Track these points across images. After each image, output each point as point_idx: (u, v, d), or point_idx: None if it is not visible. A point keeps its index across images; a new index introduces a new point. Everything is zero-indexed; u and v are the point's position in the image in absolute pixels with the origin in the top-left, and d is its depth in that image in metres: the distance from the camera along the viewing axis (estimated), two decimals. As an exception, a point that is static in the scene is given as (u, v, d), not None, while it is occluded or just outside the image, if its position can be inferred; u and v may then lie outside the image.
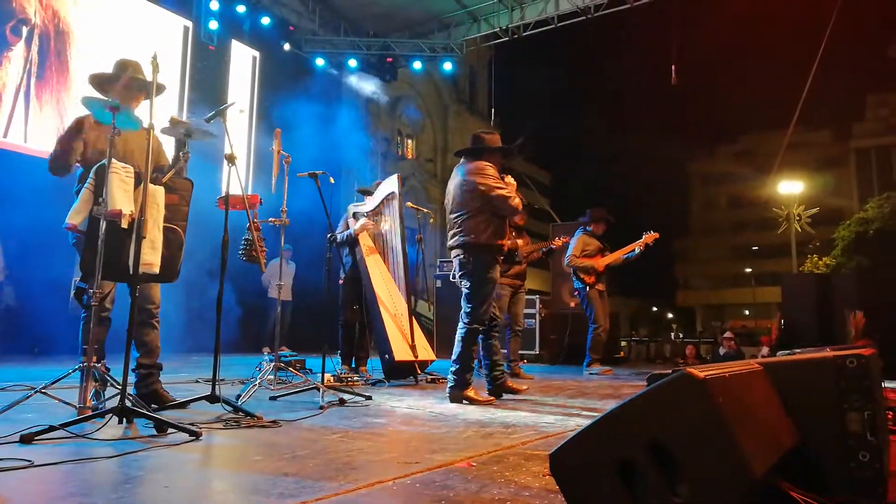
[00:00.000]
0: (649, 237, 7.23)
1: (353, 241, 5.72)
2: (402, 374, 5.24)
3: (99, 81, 3.44)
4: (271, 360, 4.39)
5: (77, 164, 3.28)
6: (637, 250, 7.23)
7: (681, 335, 27.50)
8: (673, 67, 11.20)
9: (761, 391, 1.63)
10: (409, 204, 6.26)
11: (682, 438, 1.29)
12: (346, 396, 3.85)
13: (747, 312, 47.49)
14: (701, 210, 56.48)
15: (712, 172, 54.79)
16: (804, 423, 1.67)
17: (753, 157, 46.46)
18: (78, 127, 3.25)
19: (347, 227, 5.80)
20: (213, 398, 3.16)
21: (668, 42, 11.40)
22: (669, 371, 1.43)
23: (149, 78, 3.01)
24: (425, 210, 6.54)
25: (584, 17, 11.85)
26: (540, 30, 12.48)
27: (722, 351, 11.60)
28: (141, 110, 3.49)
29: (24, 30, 8.51)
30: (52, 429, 2.37)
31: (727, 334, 12.79)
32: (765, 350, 10.75)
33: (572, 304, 8.95)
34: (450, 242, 4.23)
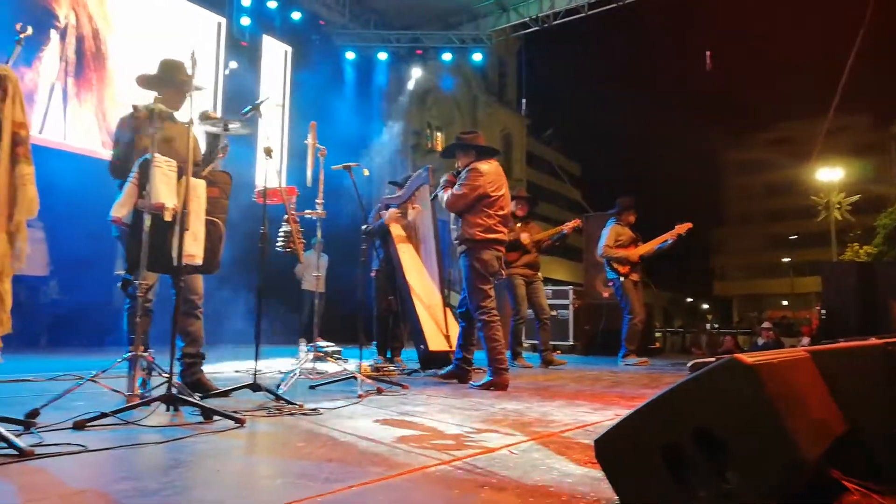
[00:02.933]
0: (682, 227, 7.11)
1: (385, 233, 5.76)
2: (437, 363, 5.26)
3: (147, 82, 3.48)
4: (309, 351, 4.45)
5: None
6: (669, 241, 7.13)
7: (716, 326, 27.08)
8: (707, 53, 11.00)
9: (809, 378, 1.61)
10: (441, 195, 6.27)
11: (731, 425, 1.28)
12: (383, 386, 3.89)
13: (786, 303, 46.50)
14: (737, 199, 55.40)
15: (748, 160, 53.66)
16: (852, 410, 1.64)
17: (790, 145, 45.35)
18: (135, 123, 3.31)
19: (380, 219, 5.84)
20: (255, 387, 3.23)
21: (703, 27, 11.18)
22: (713, 359, 1.42)
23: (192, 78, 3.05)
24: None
25: (615, 4, 11.68)
26: (570, 18, 12.33)
27: (760, 341, 11.41)
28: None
29: (58, 28, 8.68)
30: (103, 415, 2.45)
31: (766, 324, 12.56)
32: (805, 340, 10.53)
33: (605, 295, 8.87)
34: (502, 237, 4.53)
